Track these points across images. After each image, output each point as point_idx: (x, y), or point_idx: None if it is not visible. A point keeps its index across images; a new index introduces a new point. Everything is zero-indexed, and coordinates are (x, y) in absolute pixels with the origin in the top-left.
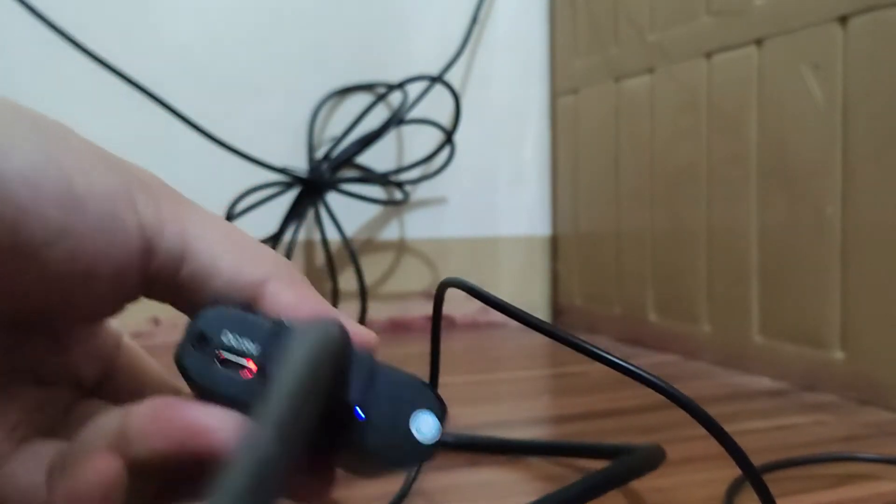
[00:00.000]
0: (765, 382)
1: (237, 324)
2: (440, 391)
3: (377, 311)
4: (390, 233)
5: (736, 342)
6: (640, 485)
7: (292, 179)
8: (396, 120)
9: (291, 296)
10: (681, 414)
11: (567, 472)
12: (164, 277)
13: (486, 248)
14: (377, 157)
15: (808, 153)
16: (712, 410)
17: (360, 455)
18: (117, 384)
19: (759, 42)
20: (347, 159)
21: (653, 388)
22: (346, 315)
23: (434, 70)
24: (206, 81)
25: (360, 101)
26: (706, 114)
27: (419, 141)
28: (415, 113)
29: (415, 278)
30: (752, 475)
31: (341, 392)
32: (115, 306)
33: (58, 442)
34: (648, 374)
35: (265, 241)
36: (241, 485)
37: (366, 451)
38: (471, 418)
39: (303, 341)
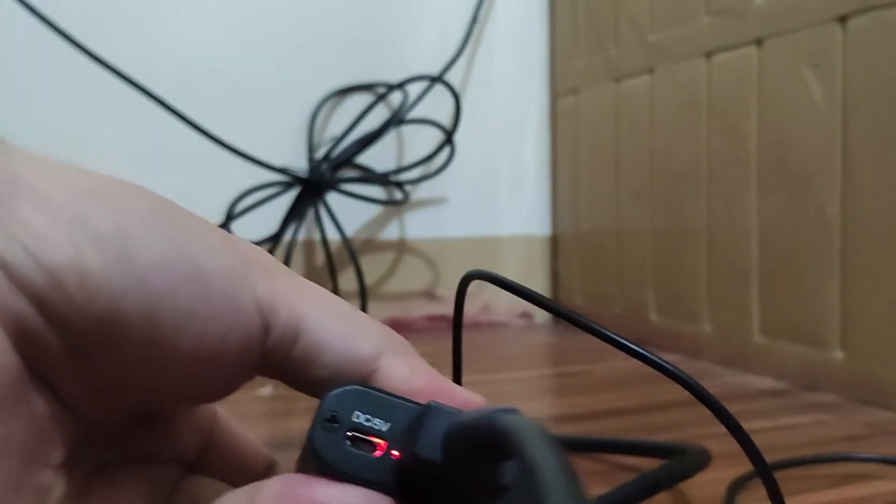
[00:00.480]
0: (766, 382)
1: (366, 403)
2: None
3: (377, 311)
4: (390, 233)
5: (737, 342)
6: None
7: (292, 179)
8: (396, 120)
9: (405, 369)
10: (684, 413)
11: (603, 468)
12: (279, 354)
13: (486, 247)
14: (377, 157)
15: (808, 153)
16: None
17: None
18: (216, 457)
19: (759, 42)
20: (347, 159)
21: (683, 385)
22: (467, 391)
23: (434, 70)
24: (206, 81)
25: (360, 101)
26: (706, 114)
27: (419, 141)
28: (415, 113)
29: (415, 278)
30: (765, 473)
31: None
32: (234, 387)
33: None
34: (682, 373)
35: (265, 242)
36: None
37: None
38: None
39: (526, 432)
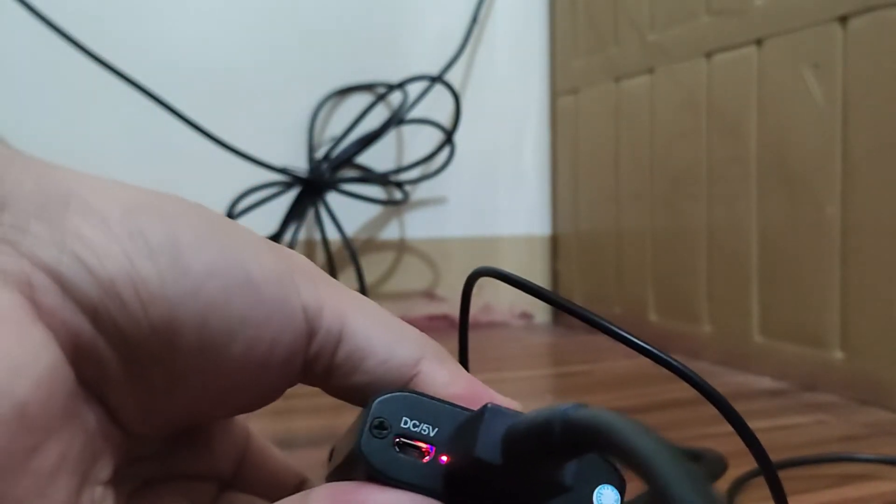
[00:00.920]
0: (766, 382)
1: (413, 408)
2: None
3: None
4: (390, 233)
5: (736, 342)
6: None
7: (292, 179)
8: (396, 120)
9: (446, 375)
10: (684, 413)
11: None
12: (322, 359)
13: (486, 247)
14: (377, 157)
15: (808, 153)
16: (713, 410)
17: None
18: (249, 473)
19: (759, 42)
20: (347, 159)
21: (691, 384)
22: (504, 397)
23: (434, 70)
24: (207, 81)
25: (360, 101)
26: (706, 114)
27: (419, 141)
28: (415, 113)
29: (415, 278)
30: (770, 472)
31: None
32: (277, 394)
33: None
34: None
35: None
36: None
37: None
38: None
39: (617, 425)
